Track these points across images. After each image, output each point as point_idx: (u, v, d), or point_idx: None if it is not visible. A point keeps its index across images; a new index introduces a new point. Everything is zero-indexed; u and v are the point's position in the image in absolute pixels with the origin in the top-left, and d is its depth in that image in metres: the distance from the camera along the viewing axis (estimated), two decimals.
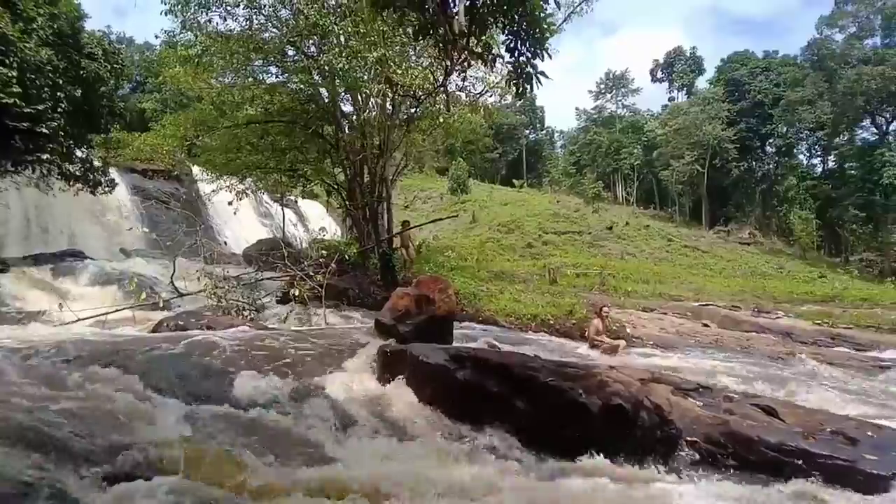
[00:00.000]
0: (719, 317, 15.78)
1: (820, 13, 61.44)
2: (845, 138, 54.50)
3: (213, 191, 19.70)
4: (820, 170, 60.30)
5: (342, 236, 20.46)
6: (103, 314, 10.58)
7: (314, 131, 16.41)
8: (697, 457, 4.77)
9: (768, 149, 58.71)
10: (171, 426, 4.13)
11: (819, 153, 60.41)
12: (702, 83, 66.18)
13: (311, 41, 14.75)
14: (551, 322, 13.33)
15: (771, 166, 58.10)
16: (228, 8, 14.52)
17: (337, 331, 9.47)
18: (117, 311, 10.95)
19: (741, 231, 51.19)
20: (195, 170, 26.04)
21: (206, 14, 14.58)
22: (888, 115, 50.66)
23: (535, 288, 18.51)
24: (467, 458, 4.19)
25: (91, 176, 17.81)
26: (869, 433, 5.09)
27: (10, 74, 12.55)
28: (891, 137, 51.03)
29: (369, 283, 14.47)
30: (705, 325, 14.55)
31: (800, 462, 4.51)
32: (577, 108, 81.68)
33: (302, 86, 15.81)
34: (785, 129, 54.99)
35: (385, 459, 4.04)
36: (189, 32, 15.30)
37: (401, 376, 5.60)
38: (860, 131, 53.91)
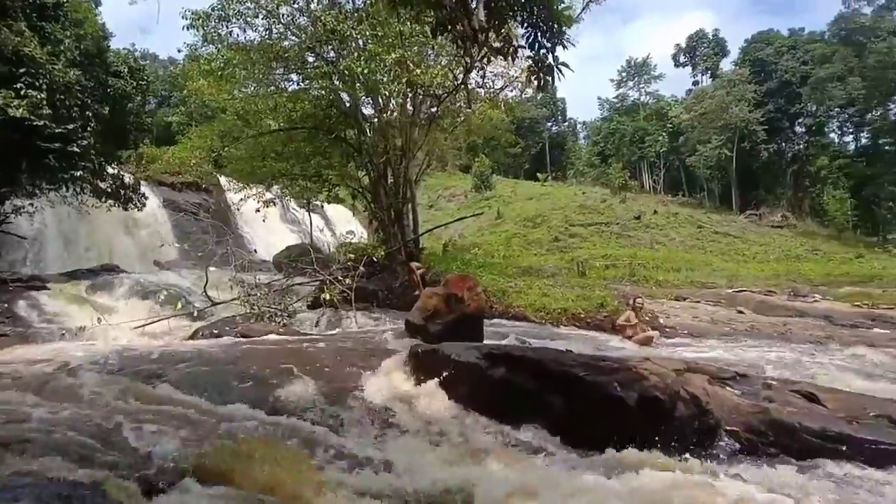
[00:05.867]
0: (754, 303, 15.50)
1: None
2: (878, 113, 52.85)
3: (242, 200, 19.99)
4: (853, 147, 58.61)
5: (369, 239, 20.60)
6: (140, 326, 10.83)
7: (337, 136, 16.55)
8: (738, 446, 4.70)
9: (798, 129, 57.24)
10: (212, 434, 4.20)
11: (851, 130, 58.74)
12: (726, 65, 64.82)
13: (330, 47, 14.88)
14: (582, 315, 13.24)
15: (801, 146, 56.69)
16: (248, 19, 14.73)
17: (368, 333, 9.56)
18: (154, 322, 11.19)
19: (773, 214, 50.04)
20: (222, 180, 26.50)
21: (227, 27, 14.83)
22: None
23: (563, 282, 18.38)
24: (505, 457, 4.19)
25: (122, 191, 18.19)
26: None
27: (39, 97, 12.89)
28: None
29: (398, 284, 14.53)
30: (740, 312, 14.30)
31: (844, 448, 4.43)
32: (599, 98, 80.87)
33: (323, 91, 15.96)
34: (814, 107, 53.59)
35: (425, 461, 4.06)
36: (210, 45, 15.58)
37: (434, 376, 5.61)
38: (893, 106, 52.27)
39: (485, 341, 8.46)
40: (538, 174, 68.06)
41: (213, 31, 14.83)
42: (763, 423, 4.80)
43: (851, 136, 59.57)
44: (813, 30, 59.60)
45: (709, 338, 11.52)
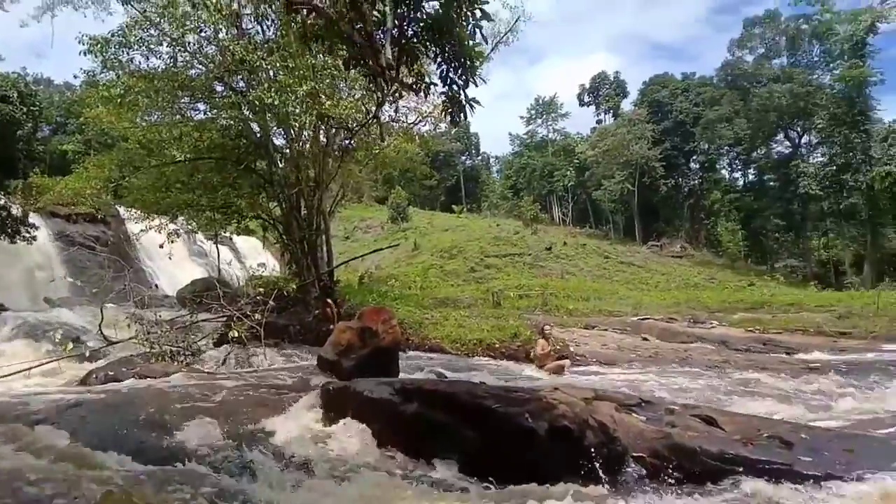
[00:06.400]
0: (657, 330, 16.23)
1: (729, 37, 65.40)
2: (762, 152, 57.74)
3: (142, 230, 18.93)
4: (741, 183, 63.48)
5: (281, 271, 20.03)
6: (26, 369, 9.93)
7: (247, 166, 16.07)
8: (644, 472, 4.80)
9: (692, 165, 61.41)
10: (101, 484, 3.88)
11: (739, 167, 63.69)
12: (627, 105, 68.70)
13: (239, 77, 14.55)
14: (497, 346, 13.41)
15: (696, 182, 60.79)
16: (151, 46, 14.19)
17: (278, 371, 9.23)
18: (41, 364, 10.30)
19: (673, 245, 53.06)
20: (122, 212, 25.11)
21: (128, 53, 14.20)
22: (799, 129, 54.12)
23: (479, 312, 18.57)
24: (415, 495, 4.10)
25: (9, 223, 16.90)
26: (803, 435, 5.28)
27: None
28: (803, 150, 54.52)
29: (311, 318, 14.16)
30: (645, 339, 14.92)
31: (740, 469, 4.60)
32: (510, 134, 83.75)
33: (232, 122, 15.52)
34: (706, 145, 57.76)
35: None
36: (111, 72, 14.86)
37: (346, 414, 5.46)
38: (775, 145, 57.33)
39: (400, 375, 8.39)
40: (454, 206, 69.14)
41: (112, 57, 14.17)
42: (666, 448, 4.94)
43: (740, 173, 64.66)
44: (703, 74, 64.53)
45: (616, 365, 11.94)
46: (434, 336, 14.09)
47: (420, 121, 19.45)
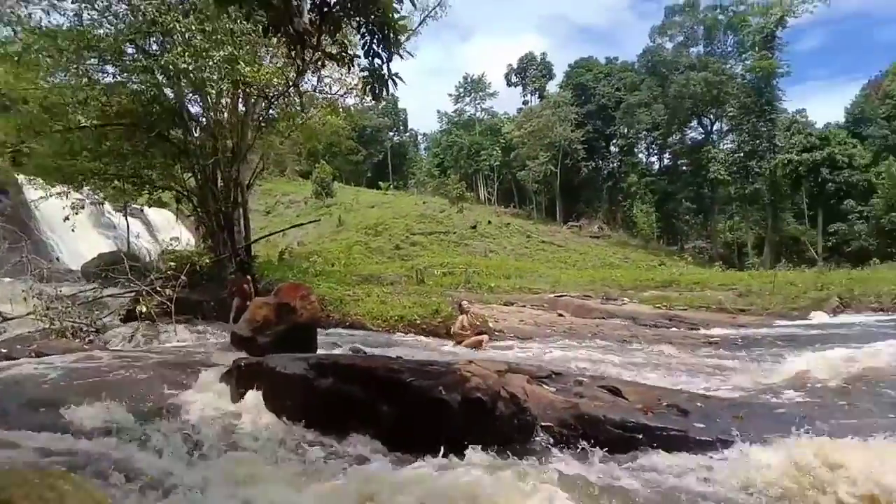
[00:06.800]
0: (573, 306, 16.84)
1: (652, 24, 67.53)
2: (677, 138, 60.47)
3: (42, 198, 17.66)
4: (657, 167, 66.28)
5: (197, 246, 19.29)
6: None
7: (159, 134, 15.26)
8: (552, 440, 4.99)
9: (612, 148, 63.56)
10: None
11: (656, 151, 66.44)
12: (553, 87, 70.02)
13: (152, 39, 13.78)
14: (418, 322, 13.54)
15: (615, 164, 63.01)
16: (53, 2, 13.20)
17: (189, 348, 8.94)
18: None
19: (591, 226, 54.89)
20: (22, 179, 23.39)
21: (26, 7, 13.16)
22: (712, 117, 56.95)
23: (403, 289, 18.64)
24: (327, 470, 4.09)
25: None
26: (698, 404, 5.66)
27: None
28: (714, 137, 57.46)
29: (226, 294, 13.75)
30: (560, 315, 15.44)
31: (640, 436, 4.87)
32: (438, 111, 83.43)
33: (143, 86, 14.67)
34: (626, 129, 59.84)
35: (241, 482, 3.84)
36: (7, 27, 13.75)
37: (257, 391, 5.36)
38: (689, 131, 60.27)
39: (319, 351, 8.29)
40: (380, 183, 68.57)
41: (9, 10, 13.11)
42: (573, 418, 5.16)
43: (656, 157, 67.50)
44: (626, 60, 66.54)
45: (533, 340, 12.30)
46: (355, 312, 14.04)
47: (345, 93, 19.09)
